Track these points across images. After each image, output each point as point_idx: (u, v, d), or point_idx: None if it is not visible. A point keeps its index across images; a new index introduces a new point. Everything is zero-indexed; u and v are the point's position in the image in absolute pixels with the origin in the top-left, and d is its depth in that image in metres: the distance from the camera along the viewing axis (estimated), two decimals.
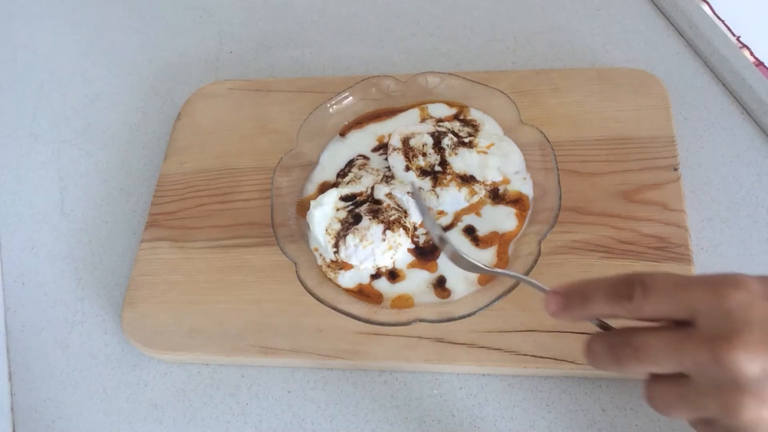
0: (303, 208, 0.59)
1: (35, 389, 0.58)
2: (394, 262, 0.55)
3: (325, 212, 0.56)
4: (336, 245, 0.55)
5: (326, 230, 0.55)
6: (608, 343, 0.36)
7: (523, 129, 0.59)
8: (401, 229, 0.55)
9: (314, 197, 0.58)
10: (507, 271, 0.47)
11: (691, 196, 0.58)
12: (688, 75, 0.65)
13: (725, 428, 0.34)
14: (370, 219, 0.55)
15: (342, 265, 0.55)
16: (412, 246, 0.55)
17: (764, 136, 0.61)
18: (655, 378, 0.36)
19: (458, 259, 0.47)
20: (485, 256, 0.54)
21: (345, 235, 0.54)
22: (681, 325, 0.35)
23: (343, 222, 0.55)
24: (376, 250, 0.54)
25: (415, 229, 0.56)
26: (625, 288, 0.36)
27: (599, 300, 0.37)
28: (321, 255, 0.56)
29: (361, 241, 0.54)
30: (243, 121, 0.67)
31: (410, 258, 0.55)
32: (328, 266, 0.56)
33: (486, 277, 0.53)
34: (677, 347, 0.34)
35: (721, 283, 0.34)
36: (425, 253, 0.55)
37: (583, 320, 0.39)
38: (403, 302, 0.53)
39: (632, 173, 0.57)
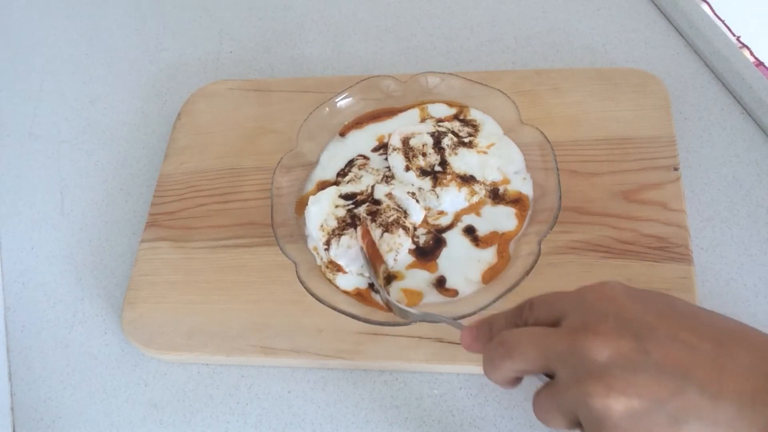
0: (302, 205, 0.58)
1: (35, 389, 0.58)
2: (395, 263, 0.55)
3: (321, 208, 0.56)
4: (327, 242, 0.54)
5: (321, 226, 0.55)
6: (488, 348, 0.39)
7: (523, 129, 0.59)
8: (401, 229, 0.55)
9: (313, 194, 0.58)
10: (434, 315, 0.48)
11: (691, 196, 0.58)
12: (688, 75, 0.65)
13: (587, 425, 0.35)
14: (370, 222, 0.55)
15: (340, 267, 0.55)
16: (413, 246, 0.55)
17: (764, 136, 0.61)
18: (537, 391, 0.38)
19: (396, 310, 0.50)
20: (485, 256, 0.54)
21: (340, 235, 0.54)
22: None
23: (340, 220, 0.55)
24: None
25: (415, 229, 0.56)
26: (519, 309, 0.40)
27: (500, 322, 0.41)
28: (320, 255, 0.56)
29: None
30: (243, 121, 0.67)
31: (410, 259, 0.55)
32: (327, 267, 0.56)
33: (489, 275, 0.53)
34: (542, 339, 0.36)
35: (588, 287, 0.38)
36: (425, 254, 0.55)
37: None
38: (414, 297, 0.53)
39: (632, 173, 0.57)
